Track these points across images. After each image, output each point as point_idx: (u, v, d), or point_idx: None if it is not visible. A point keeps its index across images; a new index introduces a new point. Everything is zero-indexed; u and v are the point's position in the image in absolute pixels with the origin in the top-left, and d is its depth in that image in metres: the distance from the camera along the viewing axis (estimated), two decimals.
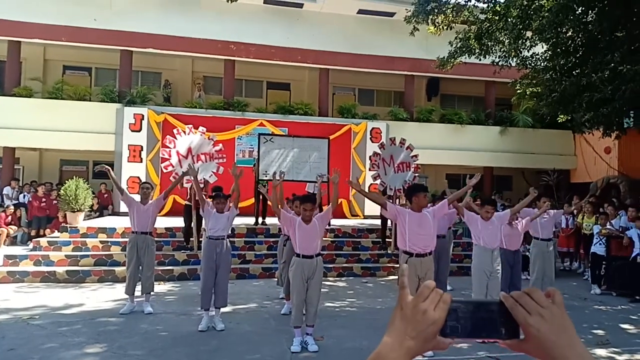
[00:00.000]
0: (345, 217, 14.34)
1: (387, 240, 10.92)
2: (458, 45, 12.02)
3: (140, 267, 6.98)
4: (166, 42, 14.71)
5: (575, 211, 11.36)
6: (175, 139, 9.69)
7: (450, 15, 12.04)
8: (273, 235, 10.55)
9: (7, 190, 13.50)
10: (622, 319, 7.13)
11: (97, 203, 13.52)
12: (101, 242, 9.91)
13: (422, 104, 17.90)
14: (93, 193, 12.43)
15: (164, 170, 10.00)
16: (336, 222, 12.08)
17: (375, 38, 16.01)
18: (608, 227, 9.49)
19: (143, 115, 13.70)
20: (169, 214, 12.57)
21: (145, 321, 6.46)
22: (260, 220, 11.27)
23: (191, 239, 9.73)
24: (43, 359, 5.04)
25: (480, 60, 12.10)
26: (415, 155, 10.93)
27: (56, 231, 10.95)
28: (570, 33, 10.36)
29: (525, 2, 10.49)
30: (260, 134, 11.80)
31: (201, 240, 7.97)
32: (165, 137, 10.33)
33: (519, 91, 13.15)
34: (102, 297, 7.83)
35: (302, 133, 12.86)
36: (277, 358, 5.26)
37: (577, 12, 9.78)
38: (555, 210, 7.87)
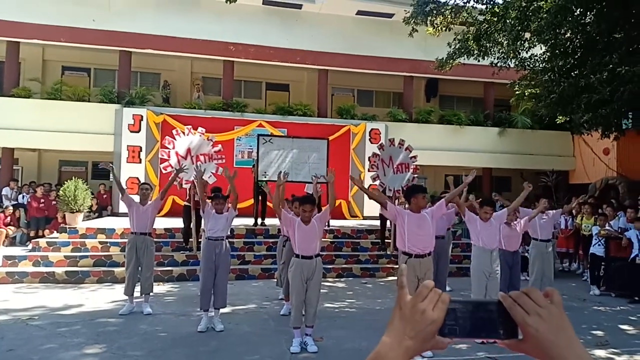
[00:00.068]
0: (345, 218, 14.34)
1: (386, 241, 10.92)
2: (457, 47, 12.05)
3: (140, 268, 6.98)
4: (165, 43, 14.71)
5: (574, 211, 11.39)
6: (175, 139, 9.69)
7: (449, 16, 12.06)
8: (272, 236, 10.55)
9: (6, 190, 13.49)
10: (621, 320, 7.14)
11: (96, 204, 13.51)
12: (100, 242, 9.91)
13: (421, 105, 17.91)
14: (92, 194, 12.42)
15: (163, 171, 10.00)
16: (335, 223, 12.08)
17: (374, 39, 16.02)
18: (607, 228, 9.50)
19: (142, 116, 13.70)
20: (168, 214, 12.59)
21: (145, 322, 6.46)
22: (259, 221, 11.27)
23: (190, 239, 9.72)
24: (42, 359, 5.04)
25: (479, 61, 12.13)
26: (414, 156, 10.94)
27: (55, 232, 10.94)
28: (568, 34, 10.39)
29: (524, 4, 10.51)
30: (259, 135, 11.81)
31: (200, 241, 7.97)
32: (164, 138, 10.33)
33: (517, 92, 13.17)
34: (101, 297, 7.82)
35: (301, 134, 12.86)
36: (277, 359, 5.26)
37: (576, 14, 9.80)
38: (554, 211, 7.89)
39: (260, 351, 5.45)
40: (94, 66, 16.75)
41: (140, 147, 13.63)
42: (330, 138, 12.84)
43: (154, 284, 7.38)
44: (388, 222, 10.60)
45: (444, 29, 12.29)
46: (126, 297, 7.00)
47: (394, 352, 0.76)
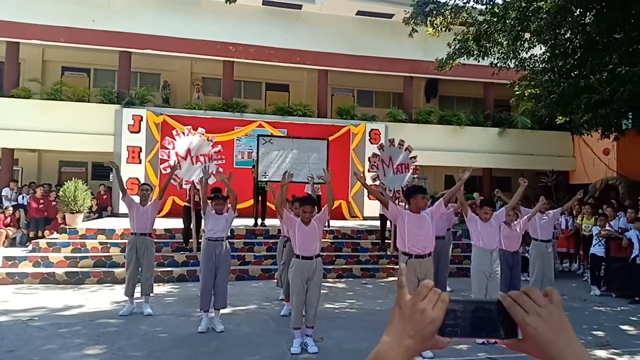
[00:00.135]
0: (345, 219, 14.35)
1: (386, 241, 10.93)
2: (456, 47, 12.06)
3: (140, 269, 6.97)
4: (165, 43, 14.72)
5: (574, 211, 11.39)
6: (174, 140, 9.69)
7: (449, 16, 12.07)
8: (272, 237, 10.55)
9: (6, 191, 13.49)
10: (622, 320, 7.13)
11: (96, 204, 13.51)
12: (100, 243, 9.91)
13: (421, 106, 17.92)
14: (92, 194, 12.43)
15: (163, 172, 10.00)
16: (335, 224, 12.09)
17: (374, 39, 16.02)
18: (607, 228, 9.50)
19: (142, 117, 13.70)
20: (168, 215, 12.59)
21: (145, 322, 6.46)
22: (259, 221, 11.27)
23: (190, 240, 9.72)
24: None
25: (478, 61, 12.14)
26: (414, 157, 10.95)
27: (55, 232, 10.94)
28: (568, 35, 10.39)
29: (524, 4, 10.52)
30: (259, 135, 11.81)
31: (200, 242, 7.97)
32: (164, 139, 10.34)
33: (517, 92, 13.18)
34: (102, 298, 7.82)
35: (301, 134, 12.87)
36: (277, 359, 5.26)
37: (576, 14, 9.81)
38: (553, 211, 7.88)
39: (260, 352, 5.45)
40: (94, 66, 16.76)
41: (140, 148, 13.63)
42: (330, 138, 12.84)
43: (154, 284, 7.37)
44: (388, 223, 10.60)
45: (443, 29, 12.30)
46: (126, 298, 7.00)
47: (394, 351, 0.76)
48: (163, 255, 9.66)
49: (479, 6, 11.72)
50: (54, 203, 12.56)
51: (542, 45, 11.12)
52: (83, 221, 11.32)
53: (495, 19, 11.36)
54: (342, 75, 16.92)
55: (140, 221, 6.96)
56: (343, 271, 10.18)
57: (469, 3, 11.79)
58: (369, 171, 11.30)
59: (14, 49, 14.38)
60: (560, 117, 12.73)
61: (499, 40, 11.64)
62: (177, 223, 10.41)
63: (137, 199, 7.17)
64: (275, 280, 8.24)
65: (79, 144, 13.88)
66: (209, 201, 6.45)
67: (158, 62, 16.28)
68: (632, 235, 8.88)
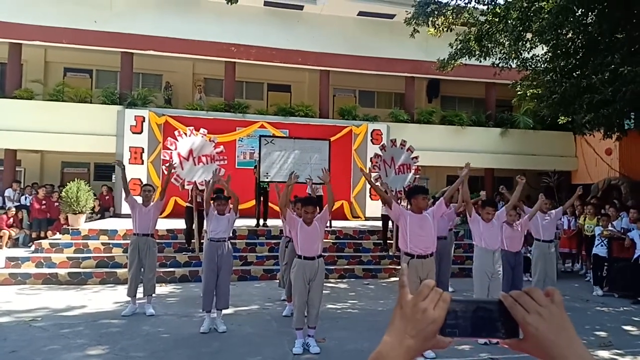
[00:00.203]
0: (347, 219, 14.34)
1: (388, 242, 10.92)
2: (458, 47, 12.04)
3: (142, 269, 6.99)
4: (167, 44, 14.74)
5: (577, 212, 11.38)
6: (177, 140, 9.71)
7: (450, 17, 12.06)
8: (274, 237, 10.56)
9: (8, 192, 13.53)
10: (625, 321, 7.12)
11: (98, 205, 13.55)
12: (103, 244, 9.93)
13: (423, 106, 17.90)
14: (94, 195, 12.46)
15: (165, 172, 9.99)
16: (337, 224, 12.09)
17: (375, 40, 16.02)
18: (610, 228, 9.49)
19: (144, 117, 13.72)
20: (170, 215, 12.60)
21: (147, 323, 6.47)
22: (261, 222, 11.28)
23: (192, 240, 9.74)
24: None
25: (480, 62, 12.12)
26: (416, 157, 10.94)
27: (58, 233, 10.97)
28: (570, 35, 10.38)
29: (525, 4, 10.51)
30: (261, 136, 11.82)
31: (202, 242, 7.98)
32: (166, 139, 10.35)
33: (519, 93, 13.16)
34: (104, 299, 7.83)
35: (302, 135, 12.88)
36: None
37: (577, 14, 9.79)
38: (555, 210, 7.85)
39: (262, 352, 5.45)
40: (96, 67, 16.78)
41: (142, 149, 13.65)
42: (332, 139, 12.84)
43: (157, 285, 7.38)
44: (390, 223, 10.60)
45: (445, 29, 12.28)
46: (129, 299, 7.01)
47: (395, 351, 0.76)
48: (165, 255, 9.67)
49: (481, 6, 11.71)
50: (56, 204, 12.59)
51: (544, 45, 11.10)
52: (85, 222, 11.34)
53: (497, 19, 11.35)
54: (344, 75, 16.92)
55: (142, 222, 6.97)
56: (345, 271, 10.18)
57: (470, 3, 11.78)
58: (370, 172, 11.30)
59: (16, 50, 14.42)
60: (563, 117, 12.71)
61: (501, 40, 11.62)
62: (180, 223, 10.42)
63: (139, 199, 7.18)
64: (278, 281, 8.24)
65: (82, 144, 13.90)
66: (211, 202, 6.46)
67: (160, 63, 16.31)
68: (635, 236, 8.86)
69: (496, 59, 11.95)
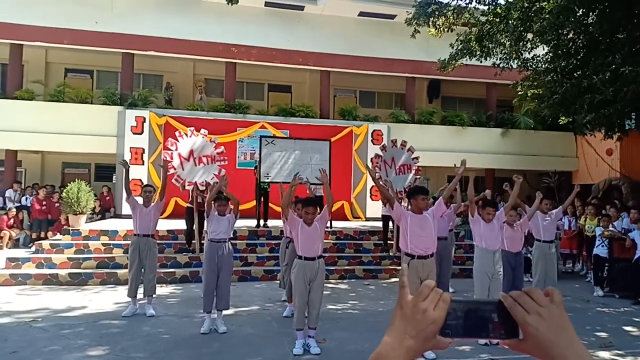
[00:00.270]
0: (347, 219, 14.34)
1: (388, 242, 10.92)
2: (459, 47, 12.04)
3: (142, 270, 6.99)
4: (167, 45, 14.75)
5: (577, 212, 11.36)
6: (177, 141, 9.70)
7: (451, 17, 12.06)
8: (275, 238, 10.56)
9: (9, 193, 13.54)
10: (625, 321, 7.11)
11: (99, 205, 13.55)
12: (103, 244, 9.93)
13: (423, 106, 17.90)
14: (95, 195, 12.46)
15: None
16: (338, 225, 12.09)
17: (376, 40, 16.03)
18: (610, 229, 9.48)
19: (145, 118, 13.72)
20: (170, 216, 12.60)
21: (148, 324, 6.47)
22: (262, 222, 11.27)
23: (193, 241, 9.74)
24: None
25: (481, 62, 12.12)
26: (417, 157, 10.94)
27: (58, 234, 10.97)
28: (571, 35, 10.37)
29: (526, 4, 10.50)
30: (261, 137, 11.81)
31: (203, 243, 7.98)
32: (167, 140, 10.35)
33: (520, 93, 13.16)
34: (105, 299, 7.83)
35: (303, 135, 12.88)
36: None
37: (578, 14, 9.79)
38: (555, 210, 7.84)
39: (262, 353, 5.45)
40: (97, 68, 16.80)
41: (143, 149, 13.65)
42: (333, 139, 12.84)
43: (157, 285, 7.38)
44: (390, 223, 10.60)
45: (446, 30, 12.28)
46: (129, 299, 7.01)
47: (395, 351, 0.76)
48: (166, 256, 9.67)
49: (482, 7, 11.70)
50: (57, 204, 12.60)
51: (544, 46, 11.10)
52: (86, 222, 11.35)
53: (497, 20, 11.34)
54: (345, 76, 16.92)
55: (143, 222, 6.97)
56: (345, 272, 10.17)
57: (471, 4, 11.77)
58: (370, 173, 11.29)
59: (17, 51, 14.43)
60: (563, 118, 12.71)
61: (502, 40, 11.62)
62: (180, 224, 10.42)
63: (140, 200, 7.18)
64: (278, 281, 8.24)
65: (82, 145, 13.91)
66: (212, 202, 6.46)
67: (161, 63, 16.32)
68: (636, 236, 8.86)
69: (497, 59, 11.95)
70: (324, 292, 5.93)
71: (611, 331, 6.51)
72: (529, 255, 8.64)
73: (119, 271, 9.12)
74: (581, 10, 9.72)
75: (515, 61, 11.88)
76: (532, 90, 12.63)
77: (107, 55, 15.25)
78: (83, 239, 10.11)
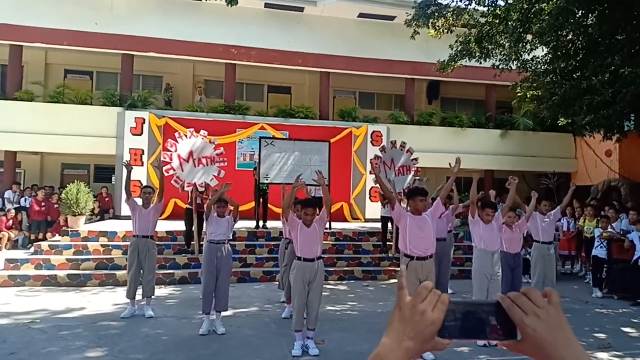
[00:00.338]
0: (346, 221, 14.33)
1: (387, 243, 10.91)
2: (458, 49, 12.04)
3: (141, 271, 6.98)
4: (167, 46, 14.75)
5: (576, 213, 11.36)
6: (177, 142, 9.71)
7: (451, 18, 12.06)
8: (274, 239, 10.55)
9: (8, 194, 13.52)
10: (624, 322, 7.12)
11: (98, 207, 13.53)
12: (102, 245, 9.92)
13: (423, 107, 17.91)
14: (94, 196, 12.45)
15: (165, 174, 9.98)
16: (337, 226, 12.08)
17: (375, 41, 16.04)
18: (609, 230, 9.48)
19: (144, 119, 13.72)
20: (170, 217, 12.60)
21: (146, 325, 6.46)
22: (261, 223, 11.27)
23: (192, 242, 9.73)
24: None
25: (480, 63, 12.12)
26: (416, 159, 10.95)
27: (57, 235, 10.96)
28: (570, 36, 10.38)
29: (526, 6, 10.51)
30: (261, 138, 11.82)
31: (202, 244, 7.97)
32: (166, 141, 10.35)
33: (519, 94, 13.16)
34: (103, 300, 7.83)
35: (303, 136, 12.88)
36: None
37: (577, 16, 9.79)
38: (554, 211, 7.83)
39: (261, 354, 5.44)
40: (97, 69, 16.80)
41: (143, 150, 13.64)
42: (332, 140, 12.85)
43: (156, 286, 7.38)
44: (389, 224, 10.60)
45: (445, 31, 12.28)
46: (128, 300, 7.01)
47: (394, 353, 0.76)
48: (164, 257, 9.66)
49: (481, 8, 11.71)
50: (56, 205, 12.59)
51: (544, 47, 11.10)
52: (85, 223, 11.33)
53: (497, 21, 11.35)
54: (344, 77, 16.93)
55: (142, 223, 6.97)
56: (344, 273, 10.17)
57: (470, 5, 11.78)
58: (370, 173, 11.30)
59: (17, 52, 14.43)
60: (562, 119, 12.71)
61: (501, 42, 11.62)
62: (179, 225, 10.41)
63: (139, 201, 7.18)
64: (277, 283, 8.23)
65: (82, 146, 13.90)
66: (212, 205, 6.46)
67: (160, 64, 16.33)
68: (634, 237, 8.86)
69: (496, 61, 11.95)
70: (323, 293, 5.93)
71: (610, 332, 6.51)
72: (527, 256, 8.65)
73: (118, 272, 9.11)
74: (580, 11, 9.73)
75: (515, 62, 11.89)
76: (531, 92, 12.63)
77: (106, 56, 15.25)
78: (82, 240, 10.10)
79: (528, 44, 11.38)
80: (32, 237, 12.58)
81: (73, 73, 16.69)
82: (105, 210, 14.06)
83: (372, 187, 14.12)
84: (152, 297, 7.11)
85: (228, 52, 15.17)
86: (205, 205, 6.92)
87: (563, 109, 11.07)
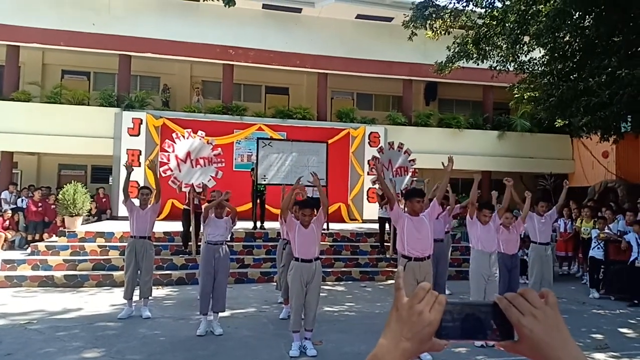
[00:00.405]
0: (344, 221, 14.33)
1: (385, 244, 10.92)
2: (456, 50, 12.06)
3: (139, 272, 6.97)
4: (165, 47, 14.74)
5: (573, 214, 11.39)
6: (174, 143, 9.69)
7: (448, 20, 12.08)
8: (271, 240, 10.54)
9: (5, 194, 13.48)
10: (621, 323, 7.13)
11: (95, 207, 13.50)
12: (99, 246, 9.90)
13: (420, 109, 17.93)
14: (91, 197, 12.42)
15: (163, 175, 9.98)
16: (335, 227, 12.08)
17: (373, 43, 16.05)
18: (606, 231, 9.50)
19: (141, 120, 13.69)
20: (167, 218, 12.57)
21: (144, 326, 6.45)
22: (258, 224, 11.26)
23: (189, 243, 9.71)
24: None
25: (478, 64, 12.15)
26: (413, 160, 10.96)
27: (54, 235, 10.93)
28: (567, 38, 10.40)
29: (523, 7, 10.53)
30: (258, 138, 11.82)
31: (199, 245, 7.97)
32: (163, 142, 10.35)
33: (516, 96, 13.18)
34: (100, 301, 7.81)
35: (300, 137, 12.88)
36: None
37: (575, 17, 9.82)
38: (550, 212, 7.84)
39: (259, 355, 5.44)
40: (94, 70, 16.78)
41: (140, 151, 13.62)
42: (330, 141, 12.85)
43: (153, 287, 7.37)
44: (387, 225, 10.60)
45: (443, 32, 12.30)
46: (125, 301, 6.99)
47: (391, 354, 0.76)
48: (162, 258, 9.65)
49: (479, 9, 11.74)
50: (53, 206, 12.56)
51: (541, 49, 11.13)
52: (82, 224, 11.30)
53: (494, 23, 11.37)
54: (342, 78, 16.93)
55: (140, 224, 6.96)
56: (342, 274, 10.17)
57: (468, 6, 11.81)
58: (368, 174, 11.31)
59: (14, 53, 14.39)
60: (560, 120, 12.73)
61: (498, 43, 11.65)
62: (177, 226, 10.40)
63: (137, 202, 7.17)
64: (275, 283, 8.23)
65: (79, 147, 13.87)
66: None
67: (158, 65, 16.31)
68: (631, 238, 8.88)
69: (494, 62, 11.98)
70: (321, 294, 5.93)
71: (607, 333, 6.53)
72: (525, 257, 8.66)
73: (115, 273, 9.09)
74: (577, 13, 9.76)
75: (512, 64, 11.91)
76: (528, 93, 12.65)
77: (104, 57, 15.23)
78: (79, 240, 10.07)
79: (525, 46, 11.41)
80: (29, 237, 12.54)
81: (70, 73, 16.65)
82: (103, 211, 14.03)
83: (369, 188, 14.11)
84: (150, 298, 7.11)
85: (226, 53, 15.16)
86: (203, 207, 6.92)
87: (560, 111, 11.09)
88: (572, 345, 0.74)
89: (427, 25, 12.07)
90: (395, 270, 8.31)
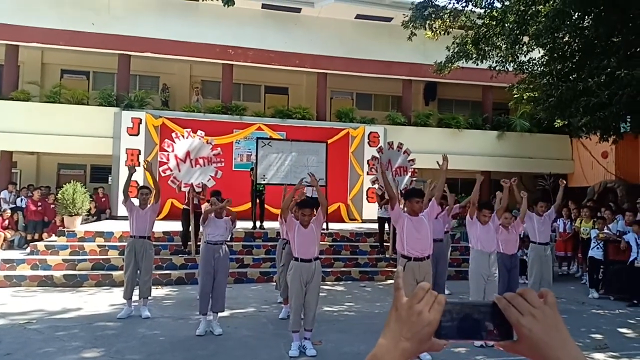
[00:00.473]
0: (344, 221, 14.33)
1: (385, 244, 10.92)
2: (455, 50, 12.06)
3: (138, 272, 6.97)
4: (164, 47, 14.73)
5: (573, 214, 11.39)
6: (174, 142, 9.69)
7: (448, 20, 12.09)
8: (271, 240, 10.53)
9: (4, 194, 13.47)
10: (620, 323, 7.14)
11: (94, 207, 13.49)
12: (99, 246, 9.89)
13: (420, 109, 17.94)
14: (90, 197, 12.41)
15: (162, 174, 9.99)
16: (334, 226, 12.08)
17: (372, 43, 16.05)
18: (605, 231, 9.51)
19: (141, 119, 13.69)
20: (167, 218, 12.57)
21: (143, 325, 6.45)
22: (258, 224, 11.26)
23: (189, 243, 9.71)
24: None
25: (477, 65, 12.15)
26: (413, 160, 10.96)
27: (53, 235, 10.93)
28: (566, 38, 10.41)
29: (522, 8, 10.54)
30: (258, 138, 11.82)
31: (199, 245, 7.96)
32: (163, 141, 10.34)
33: (516, 96, 13.19)
34: (100, 301, 7.80)
35: (300, 137, 12.87)
36: None
37: (574, 18, 9.83)
38: (549, 211, 7.84)
39: (258, 355, 5.44)
40: (93, 69, 16.77)
41: (139, 151, 13.61)
42: (329, 141, 12.85)
43: (153, 287, 7.37)
44: (386, 225, 10.61)
45: (442, 32, 12.31)
46: (124, 301, 6.99)
47: (391, 354, 0.76)
48: (161, 258, 9.64)
49: (478, 10, 11.74)
50: (52, 206, 12.55)
51: (540, 49, 11.13)
52: (81, 224, 11.30)
53: (494, 23, 11.38)
54: (341, 78, 16.93)
55: (139, 224, 6.96)
56: (342, 274, 10.17)
57: (467, 7, 11.81)
58: (368, 174, 11.32)
59: (13, 52, 14.39)
60: (559, 120, 12.74)
61: (498, 43, 11.65)
62: (176, 226, 10.39)
63: (136, 202, 7.17)
64: (274, 283, 8.23)
65: (78, 146, 13.87)
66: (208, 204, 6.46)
67: (157, 65, 16.30)
68: (630, 238, 8.89)
69: (493, 62, 11.98)
70: (320, 294, 5.93)
71: (606, 333, 6.53)
72: (524, 257, 8.66)
73: (115, 273, 9.09)
74: (577, 13, 9.77)
75: (511, 64, 11.91)
76: (527, 93, 12.66)
77: (103, 56, 15.22)
78: (78, 240, 10.07)
79: (525, 46, 11.41)
80: (28, 237, 12.53)
81: (69, 73, 16.65)
82: (102, 210, 14.02)
83: (369, 188, 14.11)
84: (149, 297, 7.10)
85: (225, 53, 15.16)
86: (202, 207, 6.92)
87: (559, 111, 11.10)
88: (571, 345, 0.74)
89: (427, 26, 12.08)
90: (395, 270, 8.32)
